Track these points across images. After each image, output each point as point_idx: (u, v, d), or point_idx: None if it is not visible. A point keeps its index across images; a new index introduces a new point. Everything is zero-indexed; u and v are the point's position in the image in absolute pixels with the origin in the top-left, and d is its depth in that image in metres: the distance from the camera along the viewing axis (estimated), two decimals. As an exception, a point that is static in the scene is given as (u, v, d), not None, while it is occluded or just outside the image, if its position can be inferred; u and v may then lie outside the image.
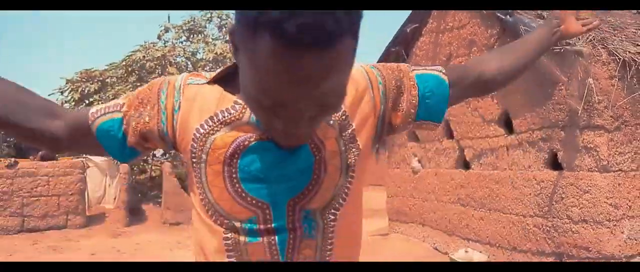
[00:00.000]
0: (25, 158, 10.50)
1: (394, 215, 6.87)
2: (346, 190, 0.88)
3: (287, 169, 0.83)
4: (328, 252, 0.89)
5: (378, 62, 5.22)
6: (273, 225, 0.84)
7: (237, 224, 0.84)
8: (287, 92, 0.67)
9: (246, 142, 0.82)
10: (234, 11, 0.74)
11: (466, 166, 5.30)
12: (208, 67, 12.91)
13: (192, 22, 13.88)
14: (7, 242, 8.21)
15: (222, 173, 0.83)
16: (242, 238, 0.85)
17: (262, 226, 0.84)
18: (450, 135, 5.56)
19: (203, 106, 0.83)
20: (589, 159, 3.73)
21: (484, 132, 4.91)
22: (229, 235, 0.85)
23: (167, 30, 13.86)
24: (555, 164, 4.07)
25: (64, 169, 9.40)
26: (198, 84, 0.86)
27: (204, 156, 0.83)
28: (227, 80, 0.85)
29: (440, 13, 5.54)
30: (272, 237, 0.85)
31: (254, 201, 0.84)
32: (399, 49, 6.22)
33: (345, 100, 0.81)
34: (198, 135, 0.83)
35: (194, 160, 0.84)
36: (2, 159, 10.51)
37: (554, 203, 3.98)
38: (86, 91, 12.79)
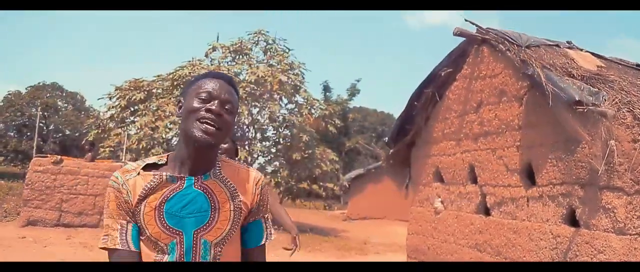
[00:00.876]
0: (69, 156, 11.09)
1: (413, 253, 6.91)
2: (231, 236, 1.43)
3: (192, 209, 1.37)
4: None
5: (410, 101, 5.37)
6: (184, 247, 1.37)
7: (164, 247, 1.37)
8: (210, 92, 1.38)
9: (167, 195, 1.37)
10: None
11: (487, 212, 5.35)
12: (249, 88, 13.37)
13: (239, 44, 14.44)
14: (43, 234, 8.68)
15: (154, 216, 1.36)
16: (165, 257, 1.37)
17: (177, 247, 1.37)
18: (473, 180, 5.63)
19: (138, 186, 1.39)
20: (606, 219, 3.75)
21: (506, 181, 4.97)
22: (158, 256, 1.38)
23: (214, 49, 14.46)
24: (573, 220, 4.10)
25: (103, 171, 9.88)
26: (133, 177, 1.40)
27: (143, 208, 1.37)
28: (147, 167, 1.42)
29: (475, 60, 5.69)
30: (183, 258, 1.37)
31: (173, 230, 1.37)
32: (432, 90, 6.37)
33: (238, 184, 1.45)
34: (139, 200, 1.38)
35: (137, 214, 1.38)
36: (49, 154, 11.14)
37: (568, 260, 4.00)
38: (132, 99, 13.45)
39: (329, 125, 15.37)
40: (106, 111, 14.44)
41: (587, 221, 3.90)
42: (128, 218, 1.39)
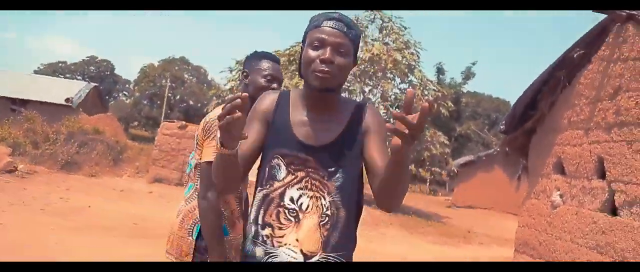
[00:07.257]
0: (192, 123, 12.02)
1: (522, 247, 6.49)
2: None
3: None
4: None
5: (534, 85, 4.94)
6: None
7: None
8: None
9: None
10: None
11: (613, 211, 4.82)
12: (363, 66, 13.32)
13: (356, 21, 14.44)
14: (166, 191, 9.58)
15: None
16: None
17: None
18: (601, 175, 5.09)
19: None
20: None
21: (642, 178, 4.42)
22: None
23: (330, 26, 14.59)
24: None
25: (221, 138, 10.58)
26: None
27: None
28: None
29: (616, 40, 5.08)
30: None
31: None
32: (562, 74, 5.84)
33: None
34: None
35: None
36: (175, 120, 12.17)
37: None
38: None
39: (441, 108, 14.88)
40: (226, 84, 15.34)
41: None
42: None
